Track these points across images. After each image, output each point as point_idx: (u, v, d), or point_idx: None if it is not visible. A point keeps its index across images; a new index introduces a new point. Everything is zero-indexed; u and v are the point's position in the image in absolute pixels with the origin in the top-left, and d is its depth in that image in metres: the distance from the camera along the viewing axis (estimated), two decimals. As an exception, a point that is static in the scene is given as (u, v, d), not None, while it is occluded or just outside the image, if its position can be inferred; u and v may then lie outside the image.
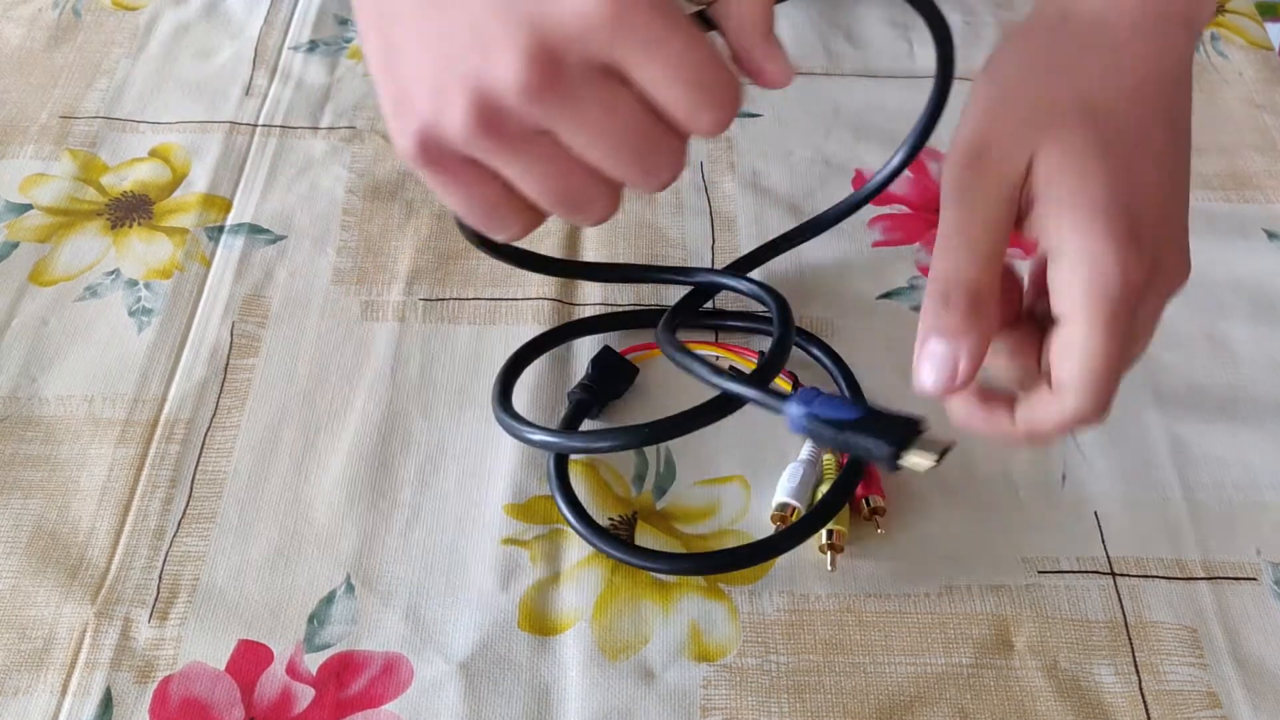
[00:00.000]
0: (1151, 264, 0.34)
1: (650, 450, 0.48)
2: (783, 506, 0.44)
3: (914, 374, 0.35)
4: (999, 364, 0.37)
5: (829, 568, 0.43)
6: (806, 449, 0.46)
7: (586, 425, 0.48)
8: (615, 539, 0.44)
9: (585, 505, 0.45)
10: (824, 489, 0.44)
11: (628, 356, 0.49)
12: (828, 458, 0.46)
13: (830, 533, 0.43)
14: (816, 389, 0.37)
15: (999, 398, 0.37)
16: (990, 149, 0.35)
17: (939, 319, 0.35)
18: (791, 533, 0.43)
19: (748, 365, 0.49)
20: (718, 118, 0.30)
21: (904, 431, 0.34)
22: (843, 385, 0.48)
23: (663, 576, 0.43)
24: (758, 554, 0.43)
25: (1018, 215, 0.36)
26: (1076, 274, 0.34)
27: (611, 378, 0.49)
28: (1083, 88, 0.36)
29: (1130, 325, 0.34)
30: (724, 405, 0.40)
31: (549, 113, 0.29)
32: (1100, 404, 0.35)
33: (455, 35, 0.29)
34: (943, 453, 0.34)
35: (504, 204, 0.32)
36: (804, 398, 0.36)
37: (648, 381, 0.49)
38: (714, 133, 0.30)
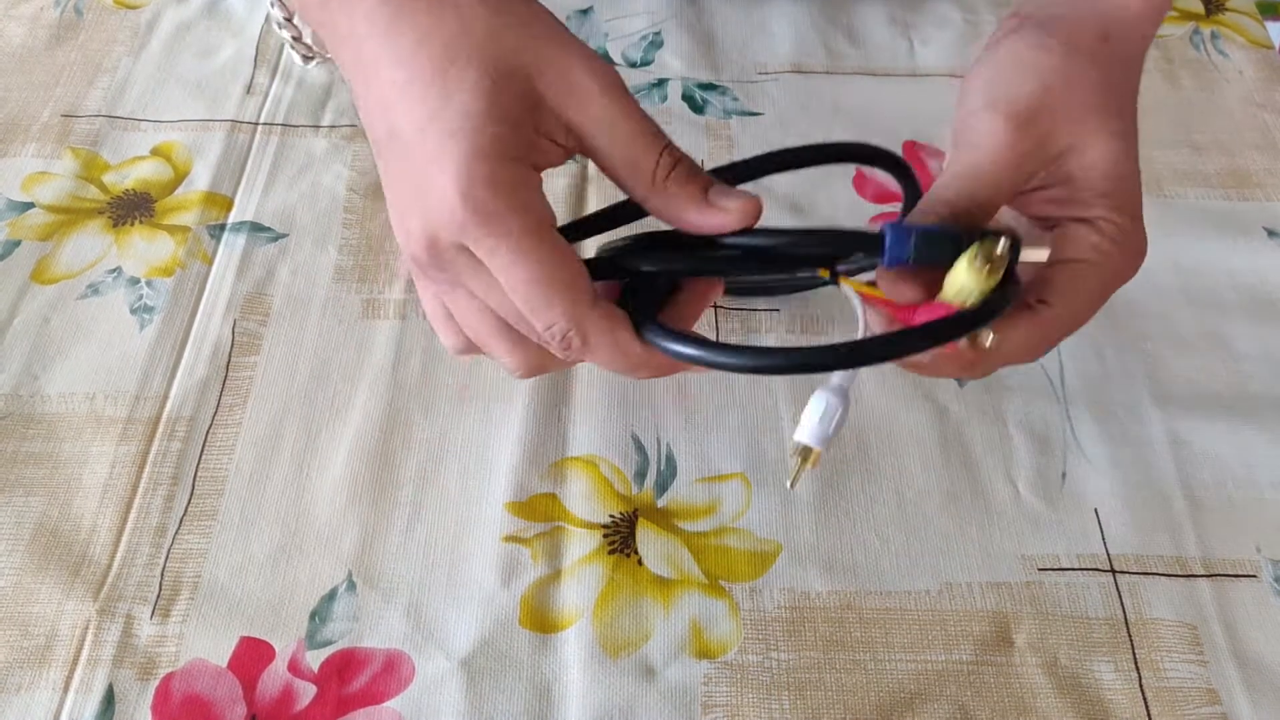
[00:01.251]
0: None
1: (651, 447, 0.48)
2: (804, 450, 0.37)
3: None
4: None
5: (789, 484, 0.38)
6: (837, 378, 0.37)
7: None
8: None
9: (586, 503, 0.45)
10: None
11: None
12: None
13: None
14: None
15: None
16: (1041, 120, 0.37)
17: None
18: (926, 332, 0.34)
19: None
20: (540, 325, 0.35)
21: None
22: None
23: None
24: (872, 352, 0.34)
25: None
26: (1093, 268, 0.37)
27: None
28: (1123, 106, 0.39)
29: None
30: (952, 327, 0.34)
31: (439, 276, 0.36)
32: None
33: (396, 193, 0.36)
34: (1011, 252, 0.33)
35: (443, 322, 0.40)
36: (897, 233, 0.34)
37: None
38: (549, 350, 0.37)
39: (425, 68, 0.34)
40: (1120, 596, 0.44)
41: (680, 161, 0.36)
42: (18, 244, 0.54)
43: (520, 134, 0.34)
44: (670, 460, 0.47)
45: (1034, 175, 0.38)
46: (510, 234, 0.33)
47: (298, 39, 0.41)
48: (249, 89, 0.63)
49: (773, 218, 0.57)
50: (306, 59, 0.42)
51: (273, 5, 0.39)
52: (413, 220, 0.35)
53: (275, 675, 0.41)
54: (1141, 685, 0.41)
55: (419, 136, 0.34)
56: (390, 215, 0.36)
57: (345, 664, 0.41)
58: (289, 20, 0.40)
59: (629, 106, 0.35)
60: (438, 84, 0.34)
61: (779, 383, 0.50)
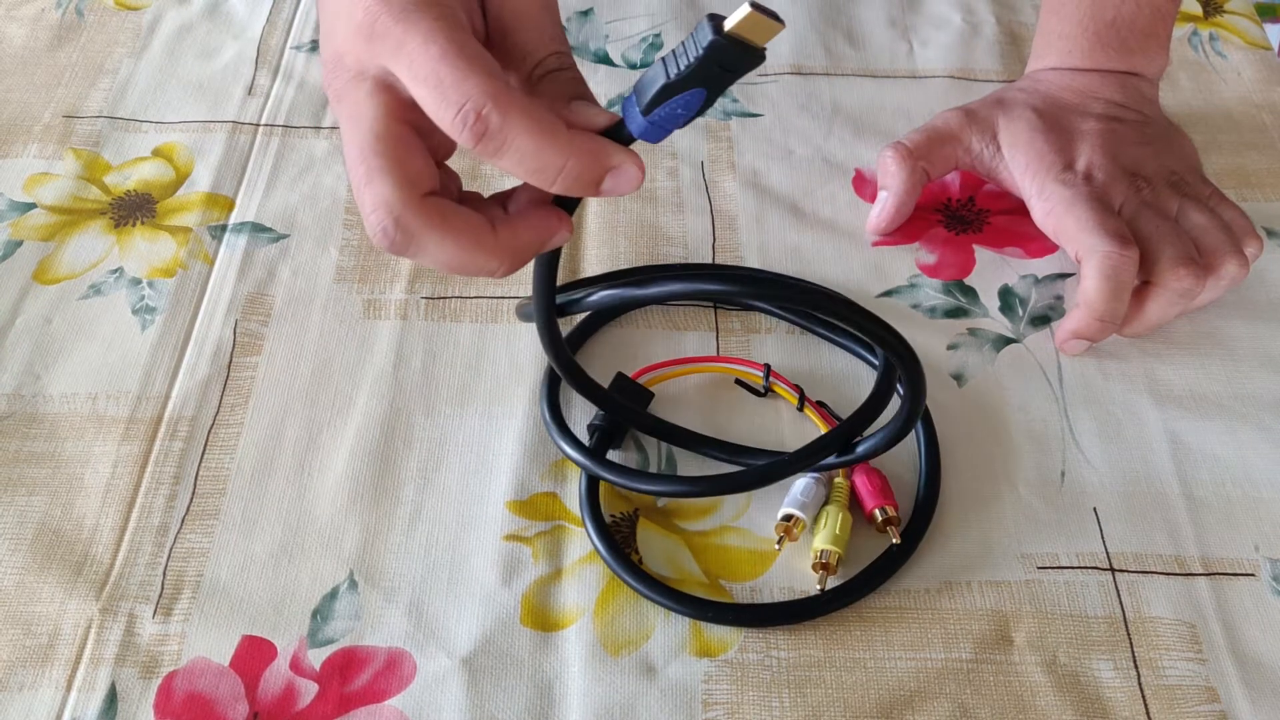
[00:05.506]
0: None
1: (651, 447, 0.48)
2: (788, 517, 0.44)
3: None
4: None
5: (819, 586, 0.43)
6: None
7: (611, 456, 0.47)
8: (670, 590, 0.43)
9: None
10: (830, 509, 0.44)
11: (640, 380, 0.49)
12: (839, 480, 0.46)
13: (824, 552, 0.43)
14: (634, 97, 0.33)
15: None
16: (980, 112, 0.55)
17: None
18: (828, 597, 0.43)
19: (754, 380, 0.49)
20: (451, 107, 0.32)
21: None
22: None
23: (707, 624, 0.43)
24: (800, 611, 0.43)
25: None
26: (1067, 210, 0.51)
27: (630, 405, 0.48)
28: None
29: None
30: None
31: (332, 103, 0.35)
32: None
33: (323, 26, 0.35)
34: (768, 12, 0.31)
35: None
36: (628, 108, 0.33)
37: (661, 403, 0.49)
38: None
39: None
40: (1119, 595, 0.44)
41: (568, 68, 0.35)
42: (20, 244, 0.55)
43: None
44: (670, 460, 0.48)
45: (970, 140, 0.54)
46: (424, 19, 0.32)
47: None
48: (250, 90, 0.63)
49: (772, 218, 0.57)
50: None
51: None
52: (328, 48, 0.34)
53: (277, 674, 0.41)
54: (1140, 683, 0.41)
55: None
56: (320, 44, 0.35)
57: (347, 662, 0.41)
58: None
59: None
60: None
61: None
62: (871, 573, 0.43)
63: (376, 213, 0.33)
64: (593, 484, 0.45)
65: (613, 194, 0.33)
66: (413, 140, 0.34)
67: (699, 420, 0.48)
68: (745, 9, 0.30)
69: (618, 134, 0.34)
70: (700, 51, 0.31)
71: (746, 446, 0.47)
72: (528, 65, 0.35)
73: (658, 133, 0.33)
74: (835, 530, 0.43)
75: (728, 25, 0.30)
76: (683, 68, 0.31)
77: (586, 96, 0.35)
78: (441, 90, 0.31)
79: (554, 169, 0.32)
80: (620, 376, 0.48)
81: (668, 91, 0.32)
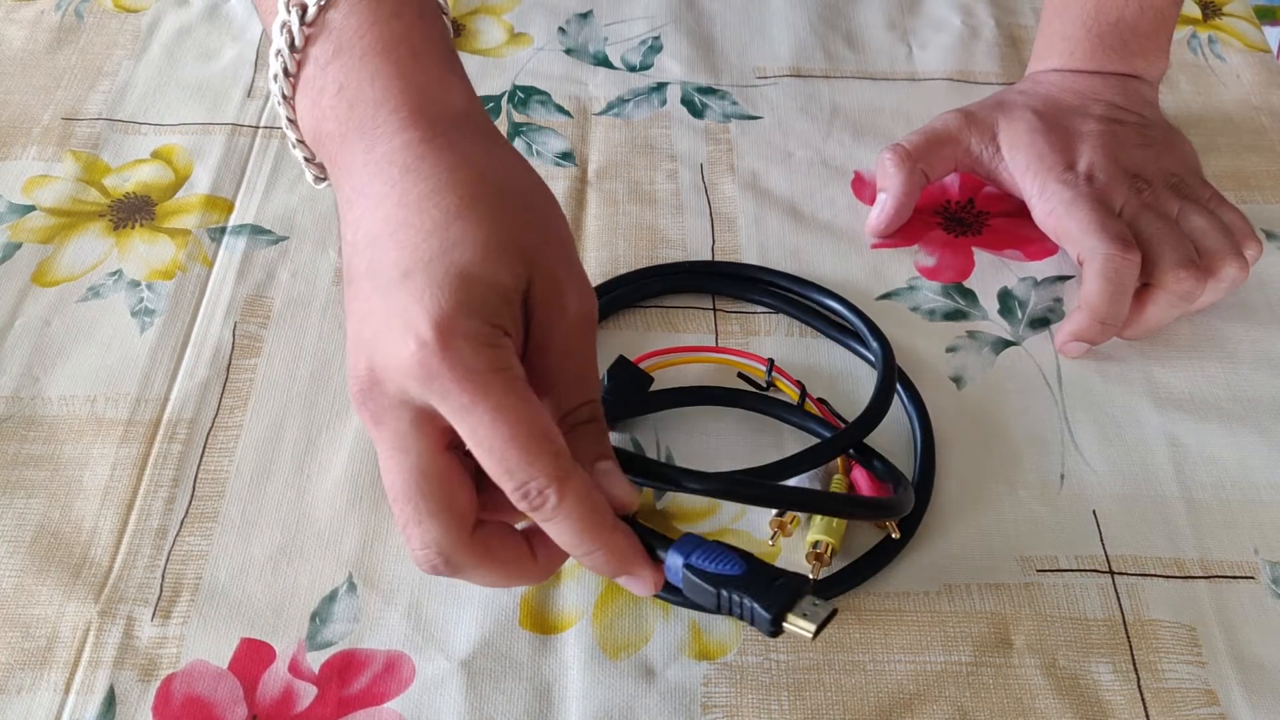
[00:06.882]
0: None
1: (651, 448, 0.48)
2: (781, 513, 0.44)
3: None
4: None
5: (812, 577, 0.43)
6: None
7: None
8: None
9: None
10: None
11: (641, 365, 0.49)
12: (837, 476, 0.46)
13: (818, 543, 0.43)
14: (698, 537, 0.36)
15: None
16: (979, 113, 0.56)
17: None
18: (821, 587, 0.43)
19: (756, 374, 0.49)
20: (515, 483, 0.33)
21: (786, 594, 0.35)
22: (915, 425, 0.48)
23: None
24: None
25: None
26: (1068, 210, 0.51)
27: (629, 388, 0.48)
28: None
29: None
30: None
31: (367, 421, 0.35)
32: None
33: (358, 328, 0.35)
34: (825, 620, 0.34)
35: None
36: (683, 546, 0.36)
37: (661, 389, 0.49)
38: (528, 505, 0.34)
39: (430, 215, 0.34)
40: (1119, 598, 0.44)
41: (597, 420, 0.36)
42: (19, 247, 0.55)
43: (509, 310, 0.34)
44: (670, 461, 0.47)
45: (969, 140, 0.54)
46: (489, 391, 0.32)
47: (310, 160, 0.42)
48: (249, 92, 0.63)
49: (772, 220, 0.57)
50: (319, 180, 0.43)
51: (287, 127, 0.40)
52: (362, 359, 0.34)
53: (276, 676, 0.41)
54: (1140, 686, 0.41)
55: (400, 280, 0.33)
56: (349, 346, 0.35)
57: (346, 665, 0.41)
58: (302, 142, 0.40)
59: (587, 344, 0.36)
60: (438, 236, 0.33)
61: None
62: (865, 563, 0.43)
63: (426, 550, 0.34)
64: None
65: (627, 585, 0.36)
66: (459, 474, 0.34)
67: (699, 419, 0.48)
68: (813, 621, 0.34)
69: (650, 545, 0.36)
70: (752, 621, 0.35)
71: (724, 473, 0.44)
72: (561, 407, 0.36)
73: (675, 579, 0.36)
74: (831, 523, 0.43)
75: (791, 625, 0.34)
76: (737, 606, 0.35)
77: (608, 454, 0.37)
78: (507, 468, 0.33)
79: (584, 550, 0.35)
80: (621, 359, 0.48)
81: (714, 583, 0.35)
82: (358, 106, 0.37)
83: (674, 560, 0.36)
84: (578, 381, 0.36)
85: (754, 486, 0.41)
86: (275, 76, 0.38)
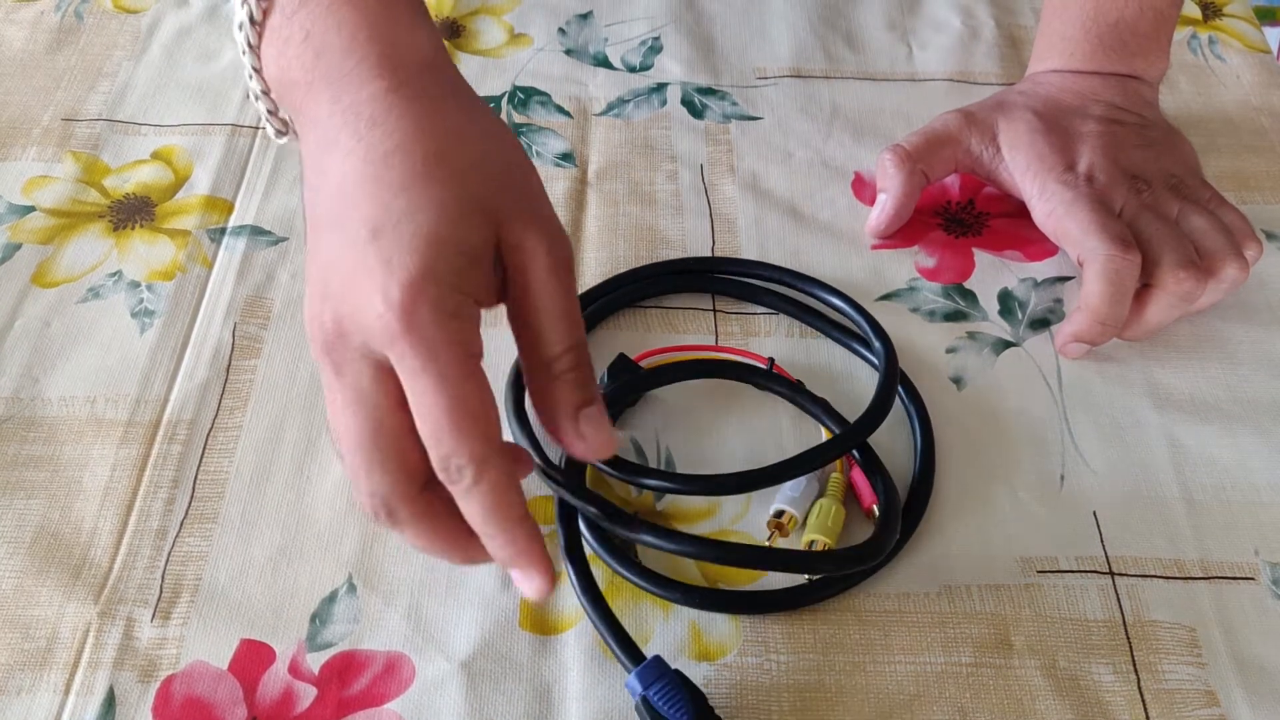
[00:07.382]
0: None
1: (651, 450, 0.48)
2: (779, 513, 0.44)
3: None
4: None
5: (806, 576, 0.43)
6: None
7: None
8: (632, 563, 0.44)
9: None
10: (823, 503, 0.44)
11: (641, 363, 0.49)
12: (835, 475, 0.46)
13: (813, 542, 0.43)
14: (664, 666, 0.39)
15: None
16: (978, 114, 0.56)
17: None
18: (816, 585, 0.43)
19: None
20: (439, 453, 0.33)
21: None
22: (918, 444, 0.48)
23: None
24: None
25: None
26: (1067, 210, 0.51)
27: (628, 387, 0.48)
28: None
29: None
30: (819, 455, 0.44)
31: (325, 370, 0.34)
32: None
33: (320, 278, 0.35)
34: None
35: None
36: (647, 675, 0.39)
37: (660, 388, 0.49)
38: (453, 475, 0.33)
39: (397, 171, 0.34)
40: (1119, 599, 0.44)
41: (581, 367, 0.36)
42: (18, 247, 0.55)
43: (476, 270, 0.34)
44: (669, 463, 0.47)
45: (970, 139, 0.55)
46: (437, 360, 0.32)
47: (273, 113, 0.41)
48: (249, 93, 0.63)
49: (772, 221, 0.57)
50: (280, 134, 0.43)
51: (251, 78, 0.40)
52: (327, 309, 0.34)
53: (276, 677, 0.41)
54: (1140, 687, 0.41)
55: (369, 238, 0.33)
56: (307, 292, 0.35)
57: (346, 666, 0.41)
58: (266, 94, 0.40)
59: (567, 284, 0.35)
60: (405, 195, 0.33)
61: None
62: (859, 562, 0.43)
63: (373, 499, 0.34)
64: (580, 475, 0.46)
65: (517, 583, 0.35)
66: (413, 431, 0.34)
67: (699, 420, 0.48)
68: None
69: (626, 642, 0.40)
70: None
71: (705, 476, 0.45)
72: (545, 351, 0.36)
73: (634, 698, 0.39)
74: (827, 522, 0.44)
75: None
76: None
77: (592, 400, 0.36)
78: (437, 438, 0.33)
79: (486, 533, 0.34)
80: (621, 357, 0.49)
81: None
82: (324, 54, 0.36)
83: (633, 685, 0.39)
84: (558, 324, 0.35)
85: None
86: (240, 25, 0.38)
